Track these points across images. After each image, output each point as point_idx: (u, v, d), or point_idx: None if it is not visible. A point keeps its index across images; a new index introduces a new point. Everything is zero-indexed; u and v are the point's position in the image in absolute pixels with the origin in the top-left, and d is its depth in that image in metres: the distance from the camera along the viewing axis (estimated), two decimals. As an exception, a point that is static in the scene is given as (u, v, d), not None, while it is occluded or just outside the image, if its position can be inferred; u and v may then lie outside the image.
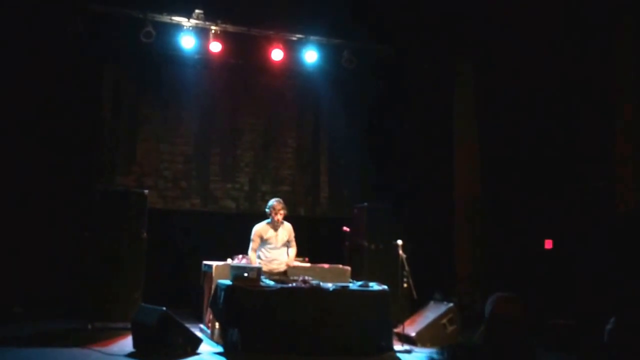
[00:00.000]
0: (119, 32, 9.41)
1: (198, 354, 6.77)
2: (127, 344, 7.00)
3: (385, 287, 7.48)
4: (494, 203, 10.10)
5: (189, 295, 9.16)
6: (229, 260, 7.90)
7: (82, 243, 8.22)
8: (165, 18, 9.49)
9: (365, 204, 9.57)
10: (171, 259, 9.72)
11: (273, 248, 7.78)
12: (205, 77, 10.47)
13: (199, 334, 7.28)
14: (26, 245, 8.98)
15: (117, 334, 7.52)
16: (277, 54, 10.01)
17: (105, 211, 8.22)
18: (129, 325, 7.14)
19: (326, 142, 11.19)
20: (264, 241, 7.74)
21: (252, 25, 9.91)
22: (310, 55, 10.19)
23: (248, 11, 9.87)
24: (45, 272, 9.00)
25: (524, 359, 3.94)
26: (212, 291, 7.37)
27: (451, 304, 8.36)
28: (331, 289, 7.20)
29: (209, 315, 7.69)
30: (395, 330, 7.87)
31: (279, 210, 7.71)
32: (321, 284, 7.25)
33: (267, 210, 7.80)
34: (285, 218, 7.85)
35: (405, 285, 7.83)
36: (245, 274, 6.91)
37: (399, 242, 7.86)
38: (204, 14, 9.56)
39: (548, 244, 9.25)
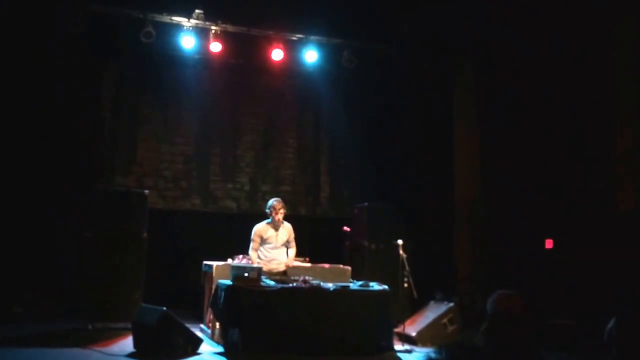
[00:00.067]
0: (119, 32, 9.40)
1: (198, 354, 6.77)
2: (127, 344, 6.99)
3: (386, 287, 7.48)
4: (494, 203, 10.09)
5: (189, 295, 9.13)
6: (230, 260, 7.90)
7: (82, 243, 8.20)
8: (166, 18, 9.47)
9: (366, 204, 9.57)
10: (171, 259, 9.71)
11: (273, 248, 7.79)
12: (205, 77, 10.46)
13: (199, 334, 7.28)
14: (26, 245, 8.97)
15: (118, 334, 7.51)
16: (277, 54, 9.99)
17: (106, 211, 8.21)
18: (130, 326, 7.14)
19: (326, 142, 11.20)
20: (263, 241, 7.75)
21: (252, 25, 9.89)
22: (311, 55, 10.18)
23: (248, 11, 9.85)
24: (45, 272, 8.99)
25: (526, 358, 3.93)
26: (213, 291, 7.37)
27: (452, 304, 8.38)
28: (331, 289, 7.21)
29: (209, 315, 7.69)
30: (396, 330, 7.87)
31: (279, 209, 7.73)
32: (321, 284, 7.25)
33: (267, 210, 7.83)
34: (286, 218, 7.87)
35: (405, 285, 7.84)
36: (246, 274, 6.92)
37: (399, 242, 7.87)
38: (204, 14, 9.54)
39: (548, 244, 9.24)
